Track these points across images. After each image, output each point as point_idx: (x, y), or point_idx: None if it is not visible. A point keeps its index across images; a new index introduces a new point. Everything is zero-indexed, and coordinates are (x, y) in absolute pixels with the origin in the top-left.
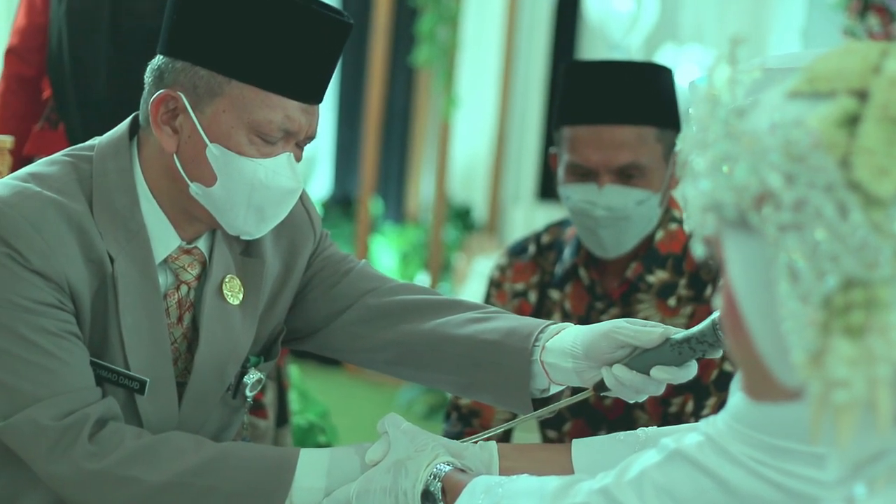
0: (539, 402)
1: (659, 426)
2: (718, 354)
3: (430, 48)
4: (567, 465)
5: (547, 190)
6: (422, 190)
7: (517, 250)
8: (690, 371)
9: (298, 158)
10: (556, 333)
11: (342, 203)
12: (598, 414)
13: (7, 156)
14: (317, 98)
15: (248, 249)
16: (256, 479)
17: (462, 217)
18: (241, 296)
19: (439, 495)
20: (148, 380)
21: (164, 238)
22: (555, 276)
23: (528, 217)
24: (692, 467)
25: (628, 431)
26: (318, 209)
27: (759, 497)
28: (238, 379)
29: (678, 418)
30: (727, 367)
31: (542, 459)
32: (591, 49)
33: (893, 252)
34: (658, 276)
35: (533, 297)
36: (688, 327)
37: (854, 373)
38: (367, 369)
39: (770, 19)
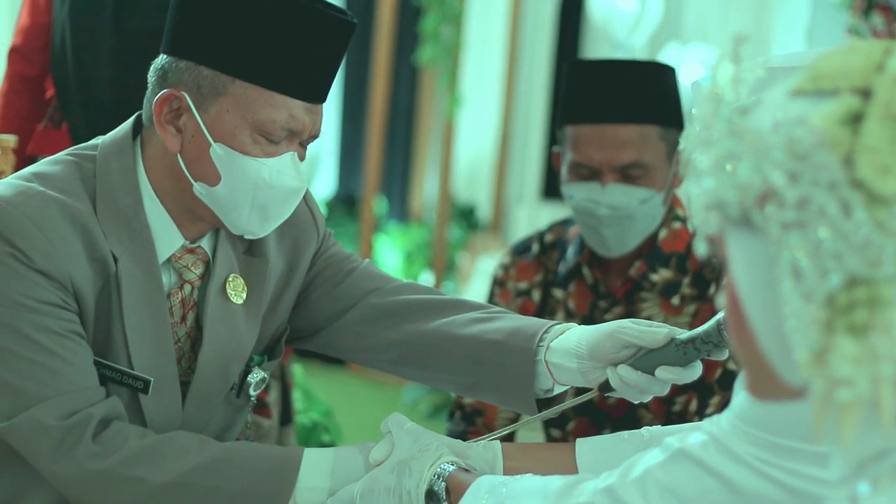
0: (543, 403)
1: (663, 425)
2: (724, 356)
3: (434, 47)
4: (571, 465)
5: (551, 189)
6: (426, 189)
7: (520, 249)
8: (695, 371)
9: (302, 157)
10: (561, 333)
11: (346, 202)
12: (601, 413)
13: (11, 155)
14: (320, 97)
15: (251, 249)
16: (260, 478)
17: (466, 216)
18: (244, 295)
19: (443, 495)
20: (152, 379)
21: (167, 237)
22: (558, 275)
23: (531, 216)
24: (696, 467)
25: (632, 431)
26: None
27: (763, 496)
28: (242, 378)
29: (682, 417)
30: (731, 365)
31: (545, 459)
32: (595, 48)
33: None
34: (661, 275)
35: (536, 295)
36: (691, 326)
37: (857, 371)
38: (370, 368)
39: (774, 18)
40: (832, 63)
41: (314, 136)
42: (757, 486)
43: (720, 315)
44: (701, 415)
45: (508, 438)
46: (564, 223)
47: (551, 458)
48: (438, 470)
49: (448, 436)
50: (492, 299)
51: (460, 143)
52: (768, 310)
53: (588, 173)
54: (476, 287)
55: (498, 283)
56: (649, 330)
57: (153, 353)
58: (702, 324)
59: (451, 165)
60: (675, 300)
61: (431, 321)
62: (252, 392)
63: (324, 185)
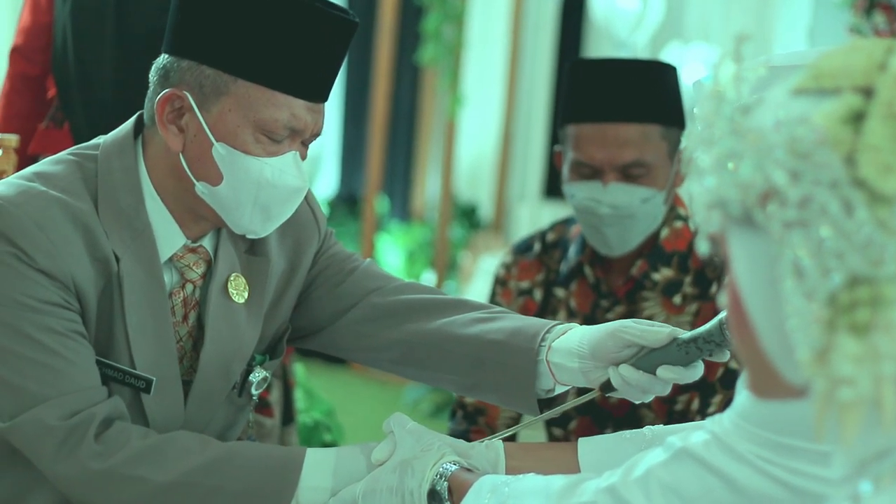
0: (544, 403)
1: (665, 424)
2: (725, 357)
3: (436, 47)
4: (573, 464)
5: (553, 188)
6: (428, 188)
7: (522, 248)
8: (697, 371)
9: (303, 156)
10: (563, 333)
11: (348, 201)
12: (603, 412)
13: (13, 154)
14: (322, 97)
15: (253, 248)
16: (263, 478)
17: (468, 215)
18: (246, 294)
19: (445, 495)
20: (154, 378)
21: (169, 237)
22: (560, 275)
23: (533, 215)
24: (699, 466)
25: (634, 430)
26: (324, 208)
27: (765, 495)
28: (243, 377)
29: (684, 416)
30: (733, 364)
31: (548, 458)
32: (597, 47)
33: None
34: (663, 274)
35: (538, 295)
36: (693, 325)
37: (859, 370)
38: (372, 368)
39: (776, 17)
40: (834, 62)
41: (316, 135)
42: (759, 484)
43: (722, 314)
44: (703, 414)
45: (510, 438)
46: (566, 222)
47: (553, 458)
48: (441, 470)
49: (450, 435)
50: (493, 298)
51: (462, 143)
52: (770, 309)
53: (589, 172)
54: (478, 286)
55: (500, 283)
56: (651, 329)
57: (155, 353)
58: (703, 323)
59: (452, 165)
60: (677, 299)
61: (433, 321)
62: (254, 391)
63: (325, 184)
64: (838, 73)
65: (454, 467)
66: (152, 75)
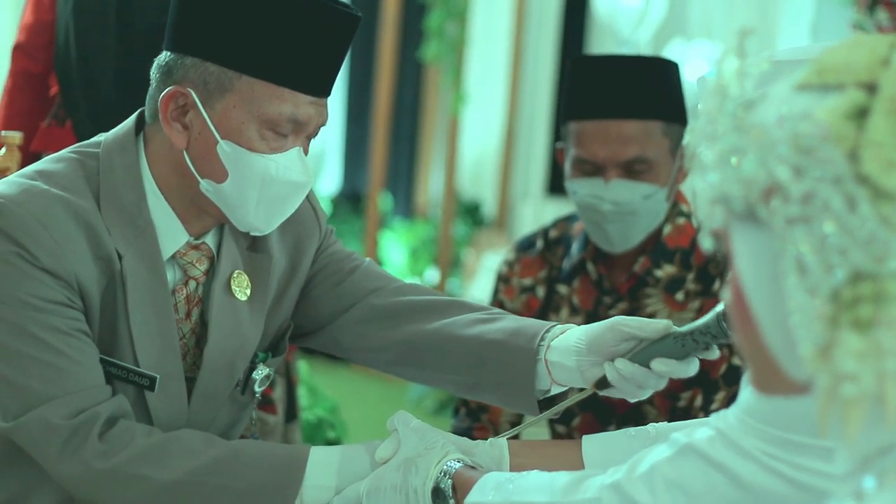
0: (543, 403)
1: (668, 421)
2: (715, 355)
3: (439, 44)
4: (577, 462)
5: (556, 185)
6: (431, 185)
7: (525, 245)
8: (692, 367)
9: (306, 150)
10: (562, 333)
11: (351, 199)
12: (606, 408)
13: (16, 152)
14: (326, 91)
15: (254, 245)
16: (267, 477)
17: (471, 212)
18: (248, 291)
19: (449, 492)
20: (158, 376)
21: (172, 234)
22: (563, 271)
23: (537, 212)
24: (703, 462)
25: (639, 427)
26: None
27: (770, 491)
28: (246, 375)
29: (687, 413)
30: (736, 361)
31: (552, 456)
32: (600, 44)
33: None
34: (666, 271)
35: (541, 291)
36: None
37: (862, 366)
38: (371, 368)
39: (778, 14)
40: (837, 57)
41: (320, 127)
42: (764, 480)
43: (719, 307)
44: (706, 410)
45: (514, 436)
46: (568, 219)
47: (558, 455)
48: (445, 467)
49: (453, 432)
50: (496, 296)
51: (465, 140)
52: (773, 304)
53: (591, 169)
54: (481, 283)
55: (502, 280)
56: (649, 321)
57: (159, 351)
58: None
59: (456, 162)
60: (680, 296)
61: (432, 322)
62: (257, 389)
63: (329, 181)
64: (841, 68)
65: (458, 465)
66: (154, 72)
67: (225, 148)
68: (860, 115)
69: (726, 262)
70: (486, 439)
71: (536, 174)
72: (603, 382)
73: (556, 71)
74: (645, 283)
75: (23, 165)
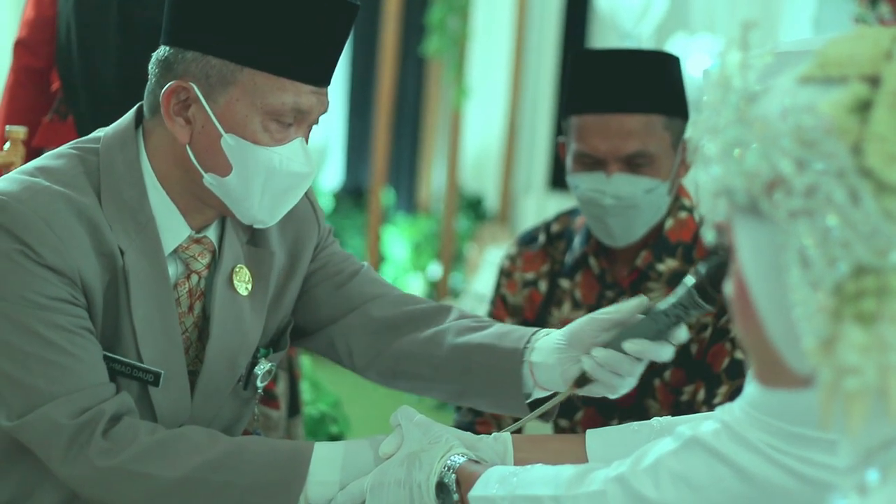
0: (535, 406)
1: (671, 415)
2: (684, 336)
3: (441, 38)
4: (581, 456)
5: (558, 179)
6: (433, 180)
7: (527, 240)
8: (665, 349)
9: (307, 139)
10: (546, 336)
11: (354, 194)
12: (609, 403)
13: (21, 146)
14: (326, 80)
15: (254, 239)
16: (271, 473)
17: (474, 207)
18: (249, 286)
19: (453, 487)
20: (163, 371)
21: (174, 228)
22: (565, 266)
23: (539, 206)
24: (709, 455)
25: (642, 421)
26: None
27: (775, 484)
28: (248, 370)
29: (690, 407)
30: (738, 355)
31: (556, 450)
32: (602, 38)
33: None
34: (668, 265)
35: (543, 286)
36: (698, 316)
37: (865, 360)
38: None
39: (781, 8)
40: (840, 50)
41: (320, 116)
42: (769, 473)
43: (689, 280)
44: (709, 405)
45: (516, 430)
46: (570, 213)
47: (562, 450)
48: (449, 462)
49: (456, 426)
50: (498, 290)
51: (467, 134)
52: (776, 298)
53: (593, 163)
54: (484, 278)
55: (505, 274)
56: (623, 303)
57: (162, 346)
58: (708, 314)
59: (458, 156)
60: None
61: (425, 332)
62: (259, 384)
63: (331, 176)
64: (845, 61)
65: (462, 459)
66: (153, 67)
67: (229, 141)
68: (863, 108)
69: (729, 255)
70: (489, 433)
71: (539, 168)
72: (582, 379)
73: (559, 65)
74: (647, 277)
75: (26, 161)
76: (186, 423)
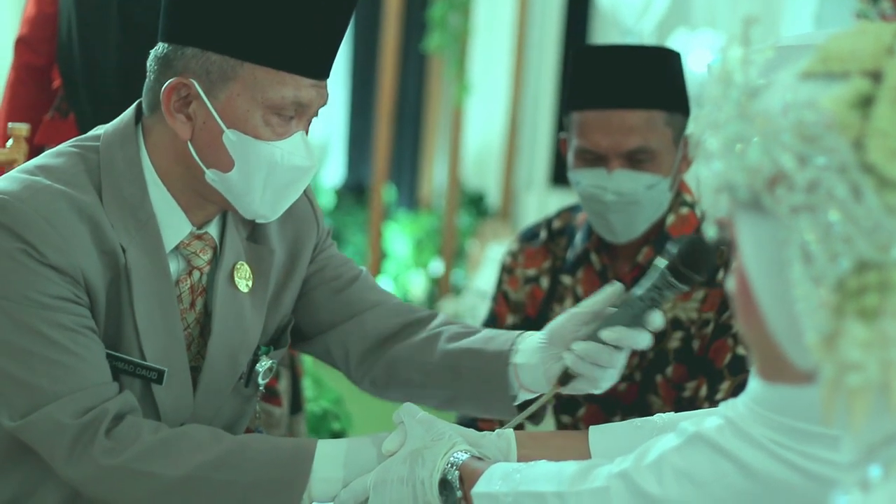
0: (519, 408)
1: (673, 411)
2: (659, 321)
3: (442, 35)
4: (585, 453)
5: (560, 176)
6: (435, 176)
7: (528, 236)
8: (642, 336)
9: (307, 131)
10: (530, 337)
11: (355, 190)
12: (612, 399)
13: (23, 143)
14: (326, 73)
15: (253, 235)
16: (274, 471)
17: (475, 203)
18: (250, 283)
19: (457, 484)
20: (166, 369)
21: (175, 224)
22: (566, 262)
23: (541, 203)
24: (712, 450)
25: (645, 418)
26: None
27: (779, 480)
28: (250, 367)
29: (692, 403)
30: (740, 350)
31: (559, 447)
32: (604, 34)
33: None
34: None
35: (545, 282)
36: (701, 312)
37: (867, 356)
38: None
39: (782, 4)
40: (842, 45)
41: (319, 108)
42: (773, 469)
43: (660, 262)
44: (711, 400)
45: (519, 426)
46: (572, 210)
47: (565, 447)
48: (452, 459)
49: (458, 423)
50: (500, 286)
51: (469, 131)
52: (778, 293)
53: (594, 159)
54: (485, 274)
55: (506, 270)
56: (599, 293)
57: (164, 344)
58: (710, 310)
59: (459, 153)
60: None
61: (417, 341)
62: (260, 381)
63: (333, 173)
64: (846, 56)
65: (465, 456)
66: (151, 64)
67: (231, 137)
68: (865, 103)
69: (730, 250)
70: (492, 430)
71: (540, 164)
72: (565, 376)
73: (560, 61)
74: None
75: (29, 158)
76: (188, 421)
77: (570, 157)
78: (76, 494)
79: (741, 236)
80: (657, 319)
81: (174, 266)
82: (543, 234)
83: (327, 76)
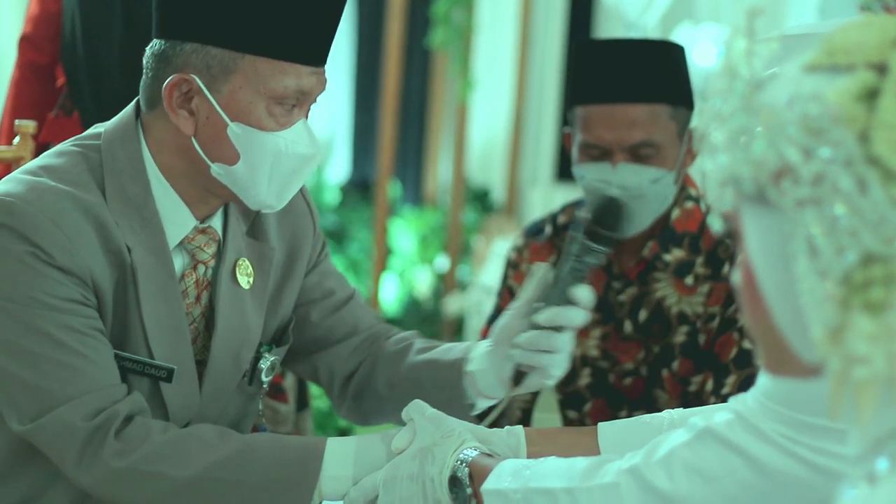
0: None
1: (678, 405)
2: (587, 296)
3: (446, 30)
4: (594, 449)
5: (565, 171)
6: (440, 173)
7: (533, 231)
8: (577, 313)
9: (307, 117)
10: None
11: (360, 187)
12: (617, 394)
13: (30, 141)
14: (324, 60)
15: (253, 230)
16: (284, 470)
17: (480, 199)
18: (252, 280)
19: (466, 481)
20: (176, 367)
21: (179, 220)
22: None
23: (546, 198)
24: (722, 446)
25: (654, 414)
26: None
27: (789, 475)
28: (253, 365)
29: (698, 397)
30: (746, 344)
31: (568, 443)
32: (608, 29)
33: None
34: (675, 255)
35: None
36: (706, 307)
37: (874, 349)
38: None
39: None
40: (847, 37)
41: (319, 95)
42: (783, 464)
43: (576, 234)
44: (717, 394)
45: (524, 421)
46: (577, 204)
47: (574, 443)
48: (461, 456)
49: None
50: (505, 281)
51: (473, 127)
52: (784, 287)
53: (598, 153)
54: (491, 270)
55: (511, 266)
56: (529, 278)
57: (171, 341)
58: (716, 304)
59: (464, 149)
60: (689, 280)
61: (385, 352)
62: (264, 378)
63: (337, 170)
64: (852, 49)
65: (475, 453)
66: (148, 61)
67: (235, 130)
68: (870, 96)
69: (735, 244)
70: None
71: (545, 160)
72: (517, 375)
73: (564, 56)
74: (654, 268)
75: (35, 155)
76: (195, 419)
77: (575, 152)
78: (84, 496)
79: (746, 230)
80: (583, 294)
81: (179, 261)
82: (548, 229)
83: (325, 62)
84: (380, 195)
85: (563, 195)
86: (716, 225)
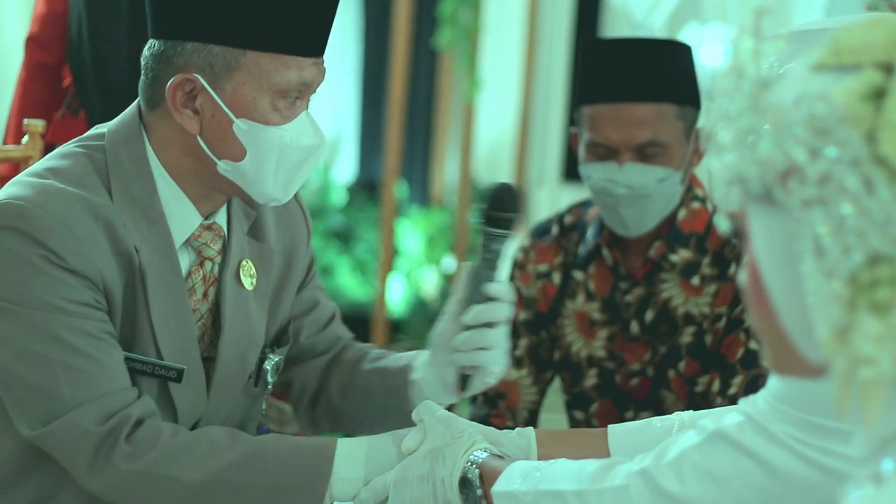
0: None
1: (685, 406)
2: (504, 290)
3: (453, 30)
4: (604, 452)
5: (572, 171)
6: (447, 173)
7: (540, 231)
8: (496, 308)
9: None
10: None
11: (367, 187)
12: (624, 394)
13: (39, 140)
14: (323, 50)
15: (252, 230)
16: (295, 472)
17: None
18: (254, 281)
19: (477, 482)
20: (185, 367)
21: (185, 218)
22: (578, 257)
23: (553, 198)
24: (733, 448)
25: (664, 416)
26: (343, 193)
27: (799, 477)
28: (258, 366)
29: (705, 398)
30: (753, 345)
31: (578, 445)
32: (615, 29)
33: None
34: (681, 255)
35: (557, 278)
36: (712, 307)
37: (880, 350)
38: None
39: None
40: (854, 37)
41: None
42: (793, 466)
43: (478, 217)
44: (724, 395)
45: (531, 422)
46: (583, 205)
47: (584, 445)
48: (472, 457)
49: (471, 419)
50: (512, 282)
51: (480, 127)
52: (790, 287)
53: (605, 153)
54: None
55: (518, 266)
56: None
57: (178, 342)
58: (722, 304)
59: (471, 149)
60: (696, 280)
61: (343, 361)
62: (270, 378)
63: (344, 170)
64: (859, 48)
65: (485, 454)
66: (147, 62)
67: (241, 126)
68: (877, 95)
69: (742, 244)
70: (503, 426)
71: (552, 160)
72: (462, 379)
73: (571, 56)
74: (660, 268)
75: (43, 155)
76: (203, 420)
77: (581, 152)
78: (94, 500)
79: (753, 229)
80: (498, 289)
81: (185, 258)
82: (555, 230)
83: (324, 52)
84: (386, 195)
85: (570, 195)
86: (722, 225)
